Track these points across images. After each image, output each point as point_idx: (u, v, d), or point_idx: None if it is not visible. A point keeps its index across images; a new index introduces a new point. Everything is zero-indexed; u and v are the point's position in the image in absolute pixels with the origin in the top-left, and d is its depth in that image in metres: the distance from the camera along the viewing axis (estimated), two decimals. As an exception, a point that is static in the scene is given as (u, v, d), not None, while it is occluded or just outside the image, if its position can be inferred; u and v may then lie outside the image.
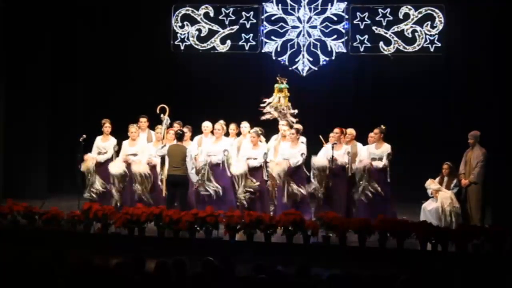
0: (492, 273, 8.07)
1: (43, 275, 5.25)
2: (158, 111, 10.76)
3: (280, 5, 12.79)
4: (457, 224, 9.80)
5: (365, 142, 10.77)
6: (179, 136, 10.23)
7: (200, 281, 5.41)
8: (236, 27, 12.90)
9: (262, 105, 11.18)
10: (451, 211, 9.98)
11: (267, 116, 11.17)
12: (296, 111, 11.16)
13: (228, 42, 12.91)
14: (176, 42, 13.02)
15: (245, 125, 11.10)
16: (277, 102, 11.11)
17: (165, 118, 10.68)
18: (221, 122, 10.93)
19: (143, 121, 11.24)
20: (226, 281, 5.61)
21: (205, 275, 5.54)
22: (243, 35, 12.90)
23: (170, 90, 13.16)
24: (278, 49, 12.79)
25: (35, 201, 10.67)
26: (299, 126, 10.82)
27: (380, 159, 10.40)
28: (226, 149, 10.53)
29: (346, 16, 12.63)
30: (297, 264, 5.82)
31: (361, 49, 12.65)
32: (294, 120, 11.06)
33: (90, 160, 10.83)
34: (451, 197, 10.07)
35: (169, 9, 13.01)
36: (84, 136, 10.86)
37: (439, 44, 12.43)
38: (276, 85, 11.18)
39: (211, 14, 12.95)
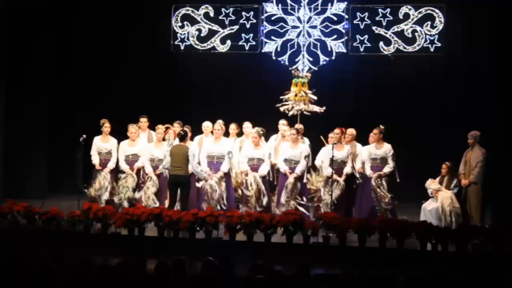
0: (492, 273, 8.06)
1: (43, 275, 5.24)
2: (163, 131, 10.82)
3: (280, 5, 12.74)
4: (457, 224, 9.80)
5: (365, 142, 10.76)
6: (182, 137, 10.22)
7: (200, 281, 5.40)
8: (236, 27, 12.86)
9: (282, 101, 11.14)
10: (451, 211, 9.98)
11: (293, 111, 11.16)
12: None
13: (228, 42, 12.87)
14: (176, 42, 12.99)
15: (247, 125, 11.10)
16: (301, 96, 11.10)
17: (169, 138, 10.69)
18: (220, 122, 10.93)
19: (143, 121, 11.24)
20: (226, 281, 5.61)
21: (205, 275, 5.55)
22: (243, 35, 12.85)
23: (170, 90, 13.15)
24: (278, 49, 12.74)
25: (35, 201, 10.66)
26: (300, 126, 10.81)
27: (382, 159, 10.40)
28: (230, 151, 10.51)
29: (346, 16, 12.60)
30: (297, 264, 5.82)
31: (361, 49, 12.60)
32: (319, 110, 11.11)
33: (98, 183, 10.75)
34: (451, 197, 10.06)
35: (169, 9, 12.97)
36: (84, 136, 10.84)
37: (439, 44, 12.39)
38: (295, 80, 11.16)
39: (211, 14, 12.91)
